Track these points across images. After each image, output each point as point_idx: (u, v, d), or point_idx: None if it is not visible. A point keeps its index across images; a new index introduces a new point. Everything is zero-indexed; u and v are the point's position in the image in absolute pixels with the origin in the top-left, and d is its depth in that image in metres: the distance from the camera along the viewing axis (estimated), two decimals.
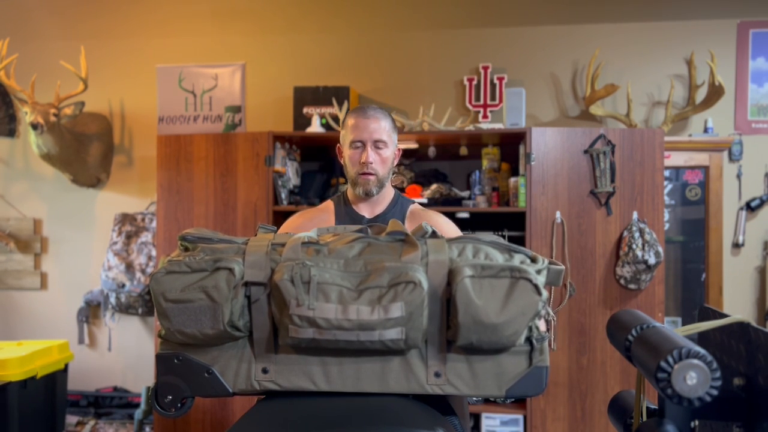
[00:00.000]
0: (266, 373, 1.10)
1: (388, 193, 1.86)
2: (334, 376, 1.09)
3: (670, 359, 0.76)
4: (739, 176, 3.51)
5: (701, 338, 1.08)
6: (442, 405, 1.25)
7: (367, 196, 1.79)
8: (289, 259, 1.06)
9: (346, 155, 1.81)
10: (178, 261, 1.08)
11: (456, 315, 1.01)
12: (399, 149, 1.87)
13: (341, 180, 3.49)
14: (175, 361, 1.11)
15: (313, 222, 1.80)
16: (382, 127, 1.77)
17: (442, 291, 1.04)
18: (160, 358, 1.12)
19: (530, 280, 1.02)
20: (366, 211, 1.83)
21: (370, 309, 1.00)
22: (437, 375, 1.08)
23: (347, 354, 1.08)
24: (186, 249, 1.13)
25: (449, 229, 1.79)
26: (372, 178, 1.76)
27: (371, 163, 1.75)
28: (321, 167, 3.66)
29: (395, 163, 1.85)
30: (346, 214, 1.83)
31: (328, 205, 1.89)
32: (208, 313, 1.05)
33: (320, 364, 1.09)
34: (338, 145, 1.87)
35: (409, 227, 1.77)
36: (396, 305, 1.00)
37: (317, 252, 1.08)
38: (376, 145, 1.76)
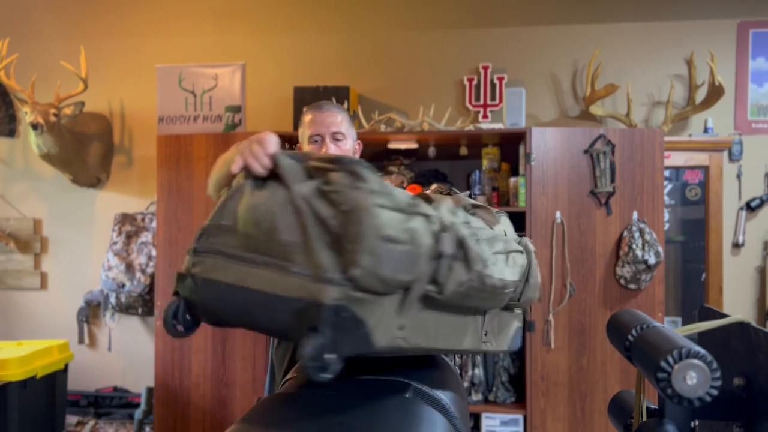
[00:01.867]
0: (402, 329, 0.94)
1: None
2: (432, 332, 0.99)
3: (670, 359, 0.76)
4: (739, 176, 3.51)
5: (701, 338, 1.08)
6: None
7: None
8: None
9: (305, 150, 1.81)
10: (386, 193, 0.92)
11: None
12: (359, 143, 1.88)
13: None
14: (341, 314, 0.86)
15: None
16: (338, 120, 1.78)
17: None
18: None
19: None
20: None
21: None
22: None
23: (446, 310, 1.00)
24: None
25: None
26: None
27: None
28: None
29: (356, 157, 1.85)
30: None
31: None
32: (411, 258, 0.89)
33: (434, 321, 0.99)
34: (298, 144, 1.87)
35: None
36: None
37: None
38: (335, 137, 1.77)
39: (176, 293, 0.98)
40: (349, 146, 1.81)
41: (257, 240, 0.92)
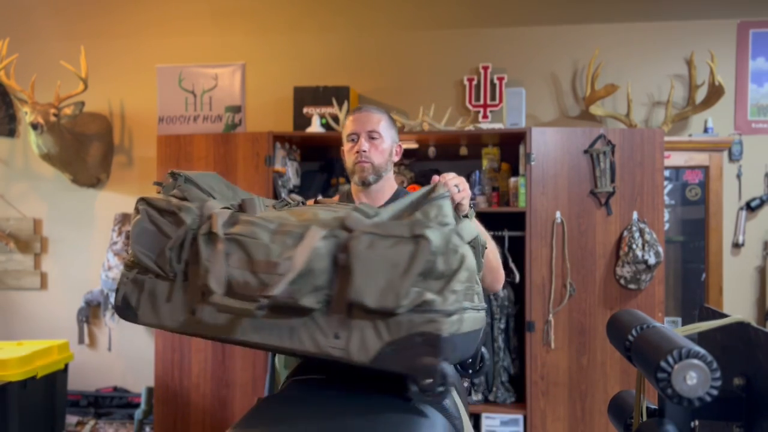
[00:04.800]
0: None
1: (390, 186, 1.92)
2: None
3: (670, 359, 0.76)
4: (739, 176, 3.51)
5: (701, 338, 1.08)
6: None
7: (364, 185, 1.85)
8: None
9: (345, 150, 1.89)
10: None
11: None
12: (400, 145, 1.94)
13: (341, 180, 3.49)
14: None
15: None
16: (375, 119, 1.86)
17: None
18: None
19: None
20: (367, 202, 1.85)
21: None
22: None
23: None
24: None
25: None
26: (367, 165, 1.83)
27: (365, 151, 1.82)
28: (321, 167, 3.66)
29: (395, 158, 1.92)
30: None
31: (335, 198, 1.95)
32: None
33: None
34: (342, 147, 1.93)
35: None
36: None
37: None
38: (370, 135, 1.85)
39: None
40: (386, 146, 1.87)
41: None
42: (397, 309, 1.01)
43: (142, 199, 1.18)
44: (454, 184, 1.36)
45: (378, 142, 1.84)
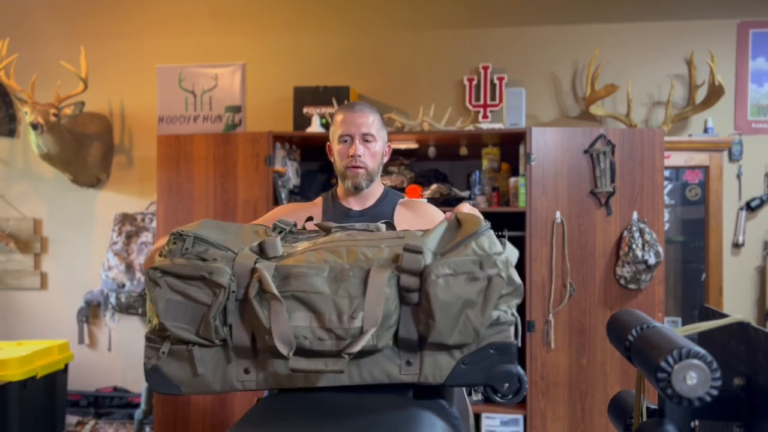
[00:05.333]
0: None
1: (378, 188, 1.86)
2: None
3: (670, 359, 0.76)
4: (739, 176, 3.51)
5: (701, 338, 1.08)
6: (431, 391, 1.26)
7: (357, 190, 1.79)
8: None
9: (335, 150, 1.82)
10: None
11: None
12: (389, 145, 1.88)
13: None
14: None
15: (304, 212, 1.80)
16: (370, 121, 1.78)
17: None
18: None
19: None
20: (355, 204, 1.83)
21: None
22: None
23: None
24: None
25: (436, 215, 1.79)
26: (361, 171, 1.77)
27: (360, 156, 1.76)
28: (321, 167, 3.66)
29: (385, 159, 1.86)
30: (333, 209, 1.83)
31: (318, 200, 1.90)
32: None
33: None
34: (328, 143, 1.88)
35: (398, 220, 1.78)
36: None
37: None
38: (365, 138, 1.77)
39: None
40: (378, 148, 1.80)
41: None
42: (474, 341, 1.08)
43: (156, 269, 1.09)
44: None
45: (372, 145, 1.78)
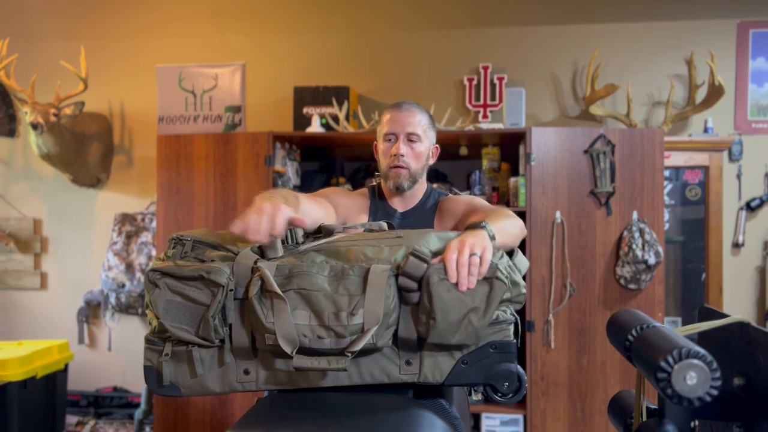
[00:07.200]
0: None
1: (422, 188, 1.81)
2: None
3: (670, 359, 0.76)
4: (739, 176, 3.51)
5: (701, 338, 1.08)
6: (431, 391, 1.26)
7: (398, 190, 1.74)
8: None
9: (380, 149, 1.77)
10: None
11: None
12: (437, 147, 1.83)
13: (341, 180, 3.49)
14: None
15: (350, 201, 1.76)
16: (416, 120, 1.73)
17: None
18: None
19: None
20: (399, 205, 1.79)
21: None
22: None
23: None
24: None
25: (481, 204, 1.75)
26: (404, 171, 1.71)
27: (402, 156, 1.70)
28: (321, 167, 3.66)
29: (431, 161, 1.81)
30: (378, 208, 1.79)
31: (364, 192, 1.84)
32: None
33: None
34: (375, 142, 1.84)
35: (437, 219, 1.75)
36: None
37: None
38: (409, 137, 1.72)
39: None
40: (423, 149, 1.75)
41: None
42: (474, 342, 1.08)
43: (155, 271, 1.10)
44: (469, 255, 1.08)
45: (417, 145, 1.72)
